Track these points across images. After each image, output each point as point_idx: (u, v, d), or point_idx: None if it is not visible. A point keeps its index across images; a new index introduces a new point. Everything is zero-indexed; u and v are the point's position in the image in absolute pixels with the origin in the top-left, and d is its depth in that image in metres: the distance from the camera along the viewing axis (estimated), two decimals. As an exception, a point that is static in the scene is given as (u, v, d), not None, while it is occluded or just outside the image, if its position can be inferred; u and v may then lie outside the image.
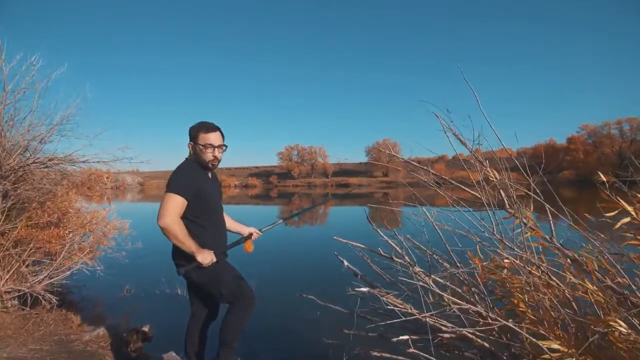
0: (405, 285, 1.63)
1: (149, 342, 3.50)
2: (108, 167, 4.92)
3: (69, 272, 4.41)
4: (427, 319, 1.34)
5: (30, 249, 4.10)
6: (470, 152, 1.69)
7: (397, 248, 1.40)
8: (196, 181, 2.15)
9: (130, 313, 4.26)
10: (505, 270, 1.48)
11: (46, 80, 4.29)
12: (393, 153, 2.11)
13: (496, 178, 1.48)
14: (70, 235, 4.53)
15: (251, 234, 2.46)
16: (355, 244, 1.45)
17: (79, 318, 3.73)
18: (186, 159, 2.29)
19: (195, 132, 2.22)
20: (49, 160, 4.30)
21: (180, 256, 2.12)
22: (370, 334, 1.85)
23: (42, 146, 4.44)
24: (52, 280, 4.17)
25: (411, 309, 1.41)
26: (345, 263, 1.51)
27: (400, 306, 1.43)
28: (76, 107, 4.67)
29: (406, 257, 1.39)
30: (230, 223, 2.49)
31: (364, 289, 1.52)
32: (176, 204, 2.04)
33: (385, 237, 1.41)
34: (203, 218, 2.18)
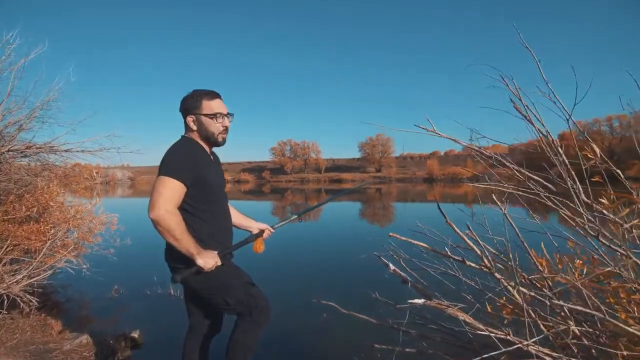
0: (473, 296, 1.32)
1: (139, 349, 3.14)
2: (96, 159, 4.54)
3: (51, 272, 4.02)
4: (530, 348, 0.99)
5: (7, 246, 3.71)
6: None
7: (477, 249, 1.08)
8: (198, 162, 1.74)
9: (119, 316, 3.89)
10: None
11: (23, 60, 3.85)
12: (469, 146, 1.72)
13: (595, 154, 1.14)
14: (53, 231, 4.14)
15: (262, 231, 2.07)
16: (417, 242, 1.13)
17: (61, 323, 3.36)
18: (183, 136, 1.86)
19: (197, 101, 1.80)
20: (27, 148, 3.90)
21: (177, 257, 1.70)
22: (407, 350, 1.53)
23: (19, 134, 4.04)
24: (32, 280, 3.78)
25: (500, 333, 1.06)
26: (391, 267, 1.19)
27: (483, 328, 1.09)
28: (59, 92, 4.26)
29: (485, 261, 1.07)
30: (236, 217, 2.08)
31: (419, 301, 1.19)
32: (173, 190, 1.62)
33: (462, 235, 1.08)
34: (204, 209, 1.77)
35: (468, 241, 1.03)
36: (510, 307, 1.46)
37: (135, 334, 3.21)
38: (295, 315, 3.64)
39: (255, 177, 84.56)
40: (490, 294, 1.64)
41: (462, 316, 1.13)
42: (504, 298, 1.57)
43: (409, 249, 2.06)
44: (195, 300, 1.90)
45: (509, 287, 1.07)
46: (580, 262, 1.29)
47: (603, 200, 1.42)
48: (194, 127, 1.82)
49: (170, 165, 1.66)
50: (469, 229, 1.06)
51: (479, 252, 1.04)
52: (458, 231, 1.04)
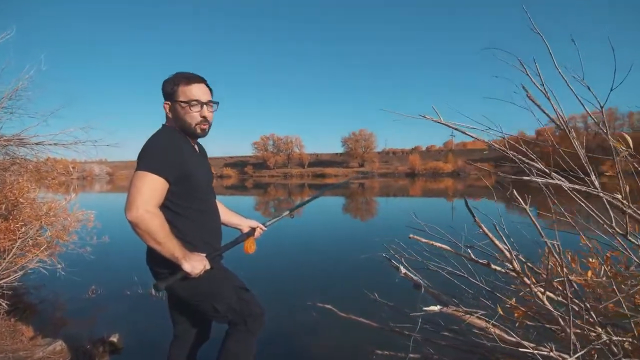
0: (477, 296, 1.22)
1: (118, 354, 2.96)
2: (70, 153, 4.28)
3: (22, 272, 3.77)
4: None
5: (-27, 246, 3.46)
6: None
7: (506, 251, 0.97)
8: (181, 155, 1.53)
9: (96, 319, 3.68)
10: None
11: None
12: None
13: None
14: (23, 229, 3.89)
15: (253, 230, 1.90)
16: (439, 245, 1.01)
17: (33, 328, 3.14)
18: (163, 125, 1.65)
19: (172, 85, 1.58)
20: (-7, 140, 3.62)
21: (160, 262, 1.49)
22: (412, 356, 1.42)
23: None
24: (1, 281, 3.55)
25: (531, 346, 0.95)
26: (402, 270, 1.07)
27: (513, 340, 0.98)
28: (29, 80, 3.98)
29: (515, 264, 0.96)
30: (225, 214, 1.89)
31: (435, 308, 1.08)
32: (154, 187, 1.42)
33: (492, 237, 0.96)
34: (189, 207, 1.58)
35: (497, 243, 0.92)
36: (523, 309, 1.37)
37: (114, 338, 3.02)
38: (289, 318, 3.45)
39: (238, 172, 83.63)
40: (497, 294, 1.55)
41: (483, 325, 1.03)
42: (514, 300, 1.48)
43: (409, 248, 1.97)
44: (181, 307, 1.73)
45: (538, 293, 0.98)
46: (596, 261, 1.20)
47: (617, 195, 1.34)
48: (170, 116, 1.63)
49: (150, 158, 1.46)
50: (496, 229, 0.95)
51: (508, 255, 0.94)
52: (488, 233, 0.93)
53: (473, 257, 1.12)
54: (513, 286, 1.44)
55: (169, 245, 1.43)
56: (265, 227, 1.96)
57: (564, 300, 1.09)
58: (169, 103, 1.62)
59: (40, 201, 4.30)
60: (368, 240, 7.12)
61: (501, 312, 1.32)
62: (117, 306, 4.01)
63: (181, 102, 1.58)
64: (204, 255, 1.56)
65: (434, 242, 0.99)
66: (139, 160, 1.48)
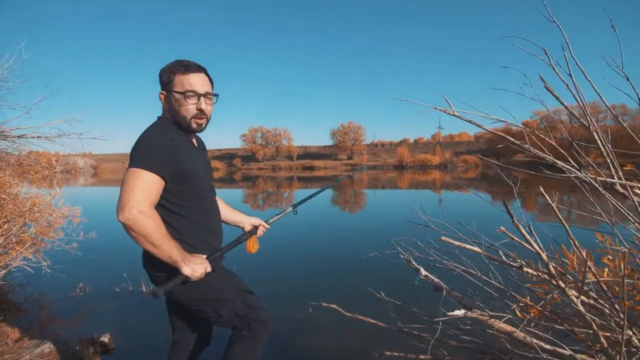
0: (487, 294, 1.17)
1: (110, 355, 2.86)
2: (54, 146, 4.11)
3: (5, 271, 3.64)
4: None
5: (-48, 245, 3.30)
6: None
7: (544, 255, 0.90)
8: (179, 150, 1.41)
9: (85, 318, 3.56)
10: None
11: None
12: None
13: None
14: (6, 226, 3.73)
15: (256, 228, 1.80)
16: (470, 247, 0.95)
17: (18, 329, 3.01)
18: (159, 118, 1.53)
19: (169, 73, 1.45)
20: (-29, 133, 3.44)
21: (158, 265, 1.39)
22: (422, 357, 1.37)
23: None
24: (-17, 281, 3.41)
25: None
26: (423, 272, 1.01)
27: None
28: (8, 70, 3.80)
29: (551, 267, 0.90)
30: (225, 212, 1.78)
31: (459, 312, 1.02)
32: (149, 185, 1.30)
33: (529, 238, 0.89)
34: (187, 205, 1.47)
35: (535, 246, 0.86)
36: (539, 308, 1.32)
37: (105, 338, 2.92)
38: (292, 320, 3.24)
39: (226, 164, 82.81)
40: (510, 291, 1.50)
41: (508, 329, 0.97)
42: (528, 297, 1.43)
43: (412, 245, 1.91)
44: (181, 312, 1.62)
45: (572, 297, 0.92)
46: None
47: (638, 191, 1.29)
48: (165, 107, 1.52)
49: (145, 154, 1.33)
50: (530, 229, 0.89)
51: (545, 258, 0.88)
52: (526, 235, 0.88)
53: (505, 259, 1.06)
54: (528, 284, 1.40)
55: (166, 248, 1.33)
56: (269, 224, 1.87)
57: (598, 304, 1.04)
58: (164, 93, 1.49)
59: (23, 197, 4.13)
60: (370, 236, 7.07)
61: (519, 313, 1.27)
62: (107, 304, 3.88)
63: (176, 92, 1.45)
64: (204, 256, 1.47)
65: (465, 245, 0.92)
66: (131, 156, 1.36)
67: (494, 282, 1.60)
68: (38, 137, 3.95)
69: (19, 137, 3.79)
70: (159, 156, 1.35)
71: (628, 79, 1.04)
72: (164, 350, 2.83)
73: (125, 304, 3.88)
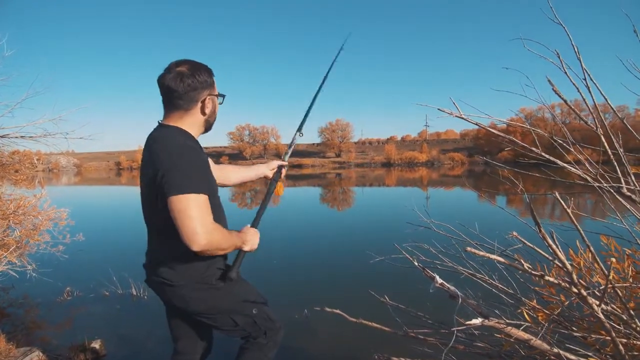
0: (491, 297, 1.15)
1: (102, 362, 2.78)
2: (39, 147, 3.97)
3: (-12, 276, 3.52)
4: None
5: None
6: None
7: (568, 265, 0.87)
8: (207, 164, 1.41)
9: (74, 323, 3.46)
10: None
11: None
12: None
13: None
14: (-11, 229, 3.61)
15: (280, 173, 1.91)
16: (494, 257, 0.92)
17: (5, 337, 2.90)
18: (177, 127, 1.41)
19: (210, 74, 1.45)
20: (-49, 133, 3.30)
21: (180, 268, 1.39)
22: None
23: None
24: (-35, 286, 3.29)
25: None
26: (438, 280, 0.98)
27: None
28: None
29: (574, 276, 0.87)
30: (243, 172, 1.91)
31: (477, 321, 1.00)
32: (202, 207, 1.27)
33: (555, 248, 0.86)
34: (213, 212, 1.39)
35: (560, 256, 0.84)
36: (547, 311, 1.31)
37: (96, 344, 2.84)
38: (296, 326, 3.14)
39: (214, 162, 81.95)
40: (518, 294, 1.50)
41: (526, 337, 0.95)
42: (535, 300, 1.43)
43: (416, 247, 1.89)
44: (187, 322, 1.56)
45: (593, 305, 0.91)
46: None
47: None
48: (208, 111, 1.46)
49: (187, 177, 1.28)
50: (553, 237, 0.87)
51: (569, 268, 0.86)
52: (552, 245, 0.85)
53: (527, 268, 1.05)
54: (536, 288, 1.39)
55: (232, 244, 1.40)
56: (286, 162, 1.96)
57: (617, 311, 1.03)
58: (210, 96, 1.45)
59: (7, 199, 3.99)
60: (369, 237, 6.99)
61: (527, 317, 1.26)
62: (96, 308, 3.79)
63: (219, 94, 1.50)
64: (249, 226, 1.56)
65: (489, 255, 0.89)
66: (170, 178, 1.27)
67: (498, 283, 1.59)
68: (22, 136, 3.81)
69: (1, 137, 3.65)
70: (200, 175, 1.33)
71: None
72: (157, 356, 2.79)
73: (114, 307, 3.79)
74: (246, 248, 1.48)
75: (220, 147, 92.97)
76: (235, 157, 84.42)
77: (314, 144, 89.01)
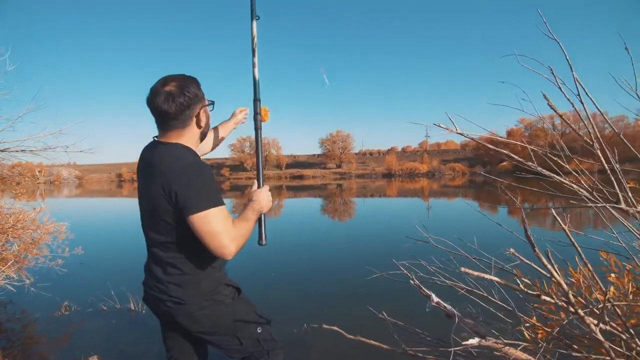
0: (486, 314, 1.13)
1: (98, 379, 2.75)
2: (39, 160, 3.99)
3: (-14, 291, 3.51)
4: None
5: None
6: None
7: (564, 285, 0.86)
8: (214, 176, 1.43)
9: (71, 339, 3.42)
10: None
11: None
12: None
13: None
14: (-13, 243, 3.60)
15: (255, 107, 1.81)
16: (489, 277, 0.91)
17: (0, 353, 2.87)
18: (180, 145, 1.43)
19: (198, 86, 1.44)
20: (-48, 148, 3.32)
21: (189, 286, 1.40)
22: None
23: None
24: (-38, 301, 3.27)
25: None
26: (434, 298, 0.97)
27: None
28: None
29: (571, 296, 0.86)
30: (219, 133, 1.88)
31: (474, 341, 0.98)
32: (222, 218, 1.33)
33: (550, 268, 0.85)
34: None
35: (557, 277, 0.83)
36: (547, 329, 1.29)
37: (93, 361, 2.81)
38: (292, 340, 3.06)
39: (215, 174, 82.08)
40: (516, 311, 1.48)
41: (524, 357, 0.93)
42: (534, 317, 1.41)
43: (415, 262, 1.88)
44: (187, 340, 1.55)
45: (591, 325, 0.89)
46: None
47: (642, 208, 1.29)
48: (202, 123, 1.48)
49: (204, 193, 1.32)
50: (549, 256, 0.86)
51: (565, 287, 0.85)
52: (548, 265, 0.84)
53: (524, 287, 1.03)
54: (536, 305, 1.38)
55: (252, 224, 1.45)
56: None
57: (616, 331, 1.02)
58: (203, 108, 1.48)
59: (6, 212, 3.99)
60: (368, 252, 6.86)
61: (526, 335, 1.24)
62: (93, 324, 3.74)
63: (208, 103, 1.51)
64: (255, 187, 1.58)
65: (484, 275, 0.89)
66: (188, 198, 1.30)
67: (497, 301, 1.57)
68: (22, 150, 3.83)
69: (1, 151, 3.67)
70: (214, 188, 1.37)
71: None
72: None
73: (112, 323, 3.75)
74: (264, 210, 1.53)
75: (222, 158, 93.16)
76: (236, 168, 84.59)
77: (314, 155, 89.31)
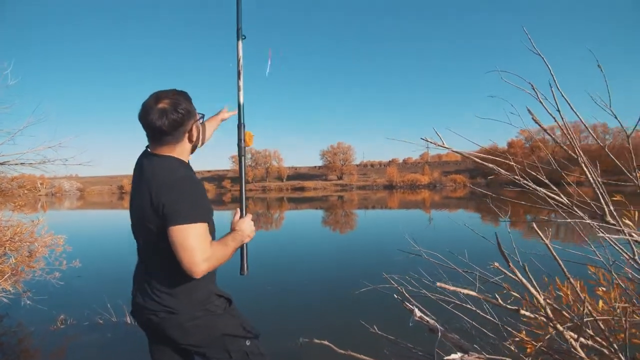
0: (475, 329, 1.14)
1: (91, 394, 2.72)
2: (39, 171, 4.02)
3: (-19, 304, 3.50)
4: None
5: None
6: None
7: (541, 300, 0.87)
8: (205, 194, 1.43)
9: (67, 353, 3.40)
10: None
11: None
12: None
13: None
14: (-16, 256, 3.61)
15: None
16: (466, 291, 0.91)
17: (-7, 367, 2.86)
18: (174, 158, 1.44)
19: (189, 101, 1.45)
20: (-49, 161, 3.35)
21: (183, 296, 1.40)
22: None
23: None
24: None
25: None
26: (417, 313, 0.97)
27: None
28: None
29: (548, 310, 0.86)
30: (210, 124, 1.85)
31: (456, 356, 0.98)
32: (201, 235, 1.31)
33: (525, 283, 0.85)
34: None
35: (532, 290, 0.84)
36: (535, 343, 1.29)
37: (86, 375, 2.79)
38: (283, 354, 3.03)
39: (216, 186, 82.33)
40: (504, 326, 1.48)
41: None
42: (524, 332, 1.41)
43: (406, 275, 1.88)
44: (176, 351, 1.53)
45: (571, 340, 0.90)
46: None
47: (628, 222, 1.30)
48: (194, 138, 1.49)
49: (188, 207, 1.31)
50: (525, 270, 0.86)
51: (542, 302, 0.86)
52: (522, 279, 0.85)
53: (502, 302, 1.04)
54: (524, 319, 1.37)
55: (231, 251, 1.42)
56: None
57: (597, 345, 1.02)
58: (197, 124, 1.50)
59: (4, 225, 4.01)
60: (361, 265, 6.82)
61: (513, 349, 1.24)
62: (89, 337, 3.73)
63: (199, 117, 1.52)
64: (238, 216, 1.55)
65: (460, 290, 0.89)
66: (176, 208, 1.30)
67: (488, 316, 1.57)
68: (22, 163, 3.87)
69: (1, 164, 3.70)
70: (202, 206, 1.37)
71: (616, 117, 1.05)
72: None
73: (107, 336, 3.73)
74: (246, 241, 1.51)
75: (223, 170, 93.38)
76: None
77: (315, 166, 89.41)
